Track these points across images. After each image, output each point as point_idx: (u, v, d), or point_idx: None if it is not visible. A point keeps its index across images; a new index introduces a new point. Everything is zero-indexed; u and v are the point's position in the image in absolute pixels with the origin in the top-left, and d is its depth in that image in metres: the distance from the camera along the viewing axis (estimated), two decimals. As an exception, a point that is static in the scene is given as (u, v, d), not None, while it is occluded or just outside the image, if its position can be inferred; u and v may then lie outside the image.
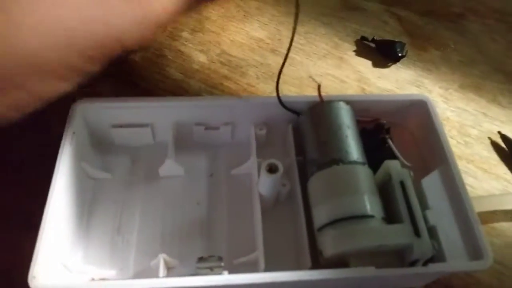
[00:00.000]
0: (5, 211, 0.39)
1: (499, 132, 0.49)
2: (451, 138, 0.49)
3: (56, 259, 0.33)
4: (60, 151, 0.36)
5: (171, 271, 0.36)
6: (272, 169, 0.36)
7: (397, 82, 0.54)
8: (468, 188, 0.44)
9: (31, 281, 0.29)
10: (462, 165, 0.47)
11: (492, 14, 0.64)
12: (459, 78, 0.55)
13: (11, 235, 0.38)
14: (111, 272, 0.36)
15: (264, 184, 0.37)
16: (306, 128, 0.40)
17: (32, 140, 0.43)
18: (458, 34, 0.61)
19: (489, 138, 0.50)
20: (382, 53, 0.56)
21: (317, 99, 0.40)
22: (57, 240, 0.33)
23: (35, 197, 0.33)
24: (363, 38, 0.57)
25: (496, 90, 0.54)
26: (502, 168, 0.47)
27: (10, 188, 0.40)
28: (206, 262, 0.33)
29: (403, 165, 0.38)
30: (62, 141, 0.36)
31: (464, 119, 0.51)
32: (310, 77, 0.51)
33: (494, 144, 0.49)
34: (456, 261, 0.34)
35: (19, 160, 0.43)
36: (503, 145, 0.49)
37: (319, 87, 0.39)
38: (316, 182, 0.37)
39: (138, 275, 0.36)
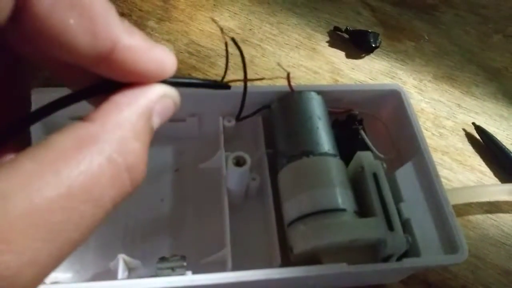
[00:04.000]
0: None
1: (473, 124, 0.48)
2: (426, 129, 0.48)
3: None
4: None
5: (132, 272, 0.34)
6: (239, 162, 0.34)
7: (370, 73, 0.52)
8: (443, 180, 0.44)
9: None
10: (437, 157, 0.46)
11: (465, 5, 0.64)
12: (433, 69, 0.54)
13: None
14: (66, 276, 0.33)
15: (232, 178, 0.35)
16: (276, 119, 0.39)
17: None
18: (431, 25, 0.60)
19: (464, 129, 0.49)
20: (356, 44, 0.54)
21: (287, 89, 0.39)
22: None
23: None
24: (336, 28, 0.55)
25: (470, 81, 0.54)
26: (476, 160, 0.47)
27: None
28: (168, 262, 0.30)
29: (376, 157, 0.37)
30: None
31: (438, 111, 0.50)
32: (278, 64, 0.49)
33: (469, 136, 0.48)
34: (431, 256, 0.33)
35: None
36: (477, 136, 0.48)
37: (288, 76, 0.37)
38: (286, 175, 0.35)
39: (96, 277, 0.34)
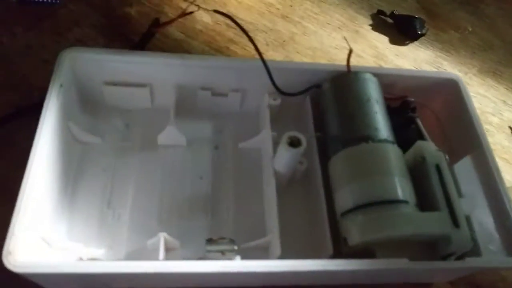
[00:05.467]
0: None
1: (520, 122, 0.46)
2: (471, 124, 0.46)
3: (35, 233, 0.28)
4: (44, 106, 0.30)
5: (170, 253, 0.31)
6: (293, 143, 0.32)
7: (415, 61, 0.50)
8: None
9: (6, 257, 0.24)
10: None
11: (510, -1, 0.61)
12: (478, 62, 0.52)
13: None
14: (99, 251, 0.31)
15: (282, 159, 0.33)
16: (328, 101, 0.36)
17: (10, 97, 0.37)
18: (475, 16, 0.57)
19: (510, 127, 0.47)
20: (400, 30, 0.52)
21: (341, 69, 0.36)
22: (37, 211, 0.28)
23: (14, 160, 0.27)
24: (380, 12, 0.52)
25: (515, 78, 0.52)
26: (524, 159, 0.45)
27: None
28: (217, 245, 0.28)
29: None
30: (47, 95, 0.31)
31: (484, 106, 0.48)
32: (344, 38, 0.46)
33: (515, 134, 0.46)
34: (495, 257, 0.30)
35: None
36: (523, 135, 0.46)
37: (350, 52, 0.34)
38: (340, 161, 0.33)
39: (132, 255, 0.31)
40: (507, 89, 0.50)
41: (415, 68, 0.49)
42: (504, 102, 0.49)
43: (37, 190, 0.28)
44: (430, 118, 0.40)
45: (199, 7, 0.34)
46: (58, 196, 0.31)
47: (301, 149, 0.32)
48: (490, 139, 0.44)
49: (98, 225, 0.32)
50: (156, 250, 0.29)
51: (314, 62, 0.44)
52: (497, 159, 0.43)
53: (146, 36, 0.42)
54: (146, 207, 0.34)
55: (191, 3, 0.35)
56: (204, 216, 0.34)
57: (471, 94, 0.48)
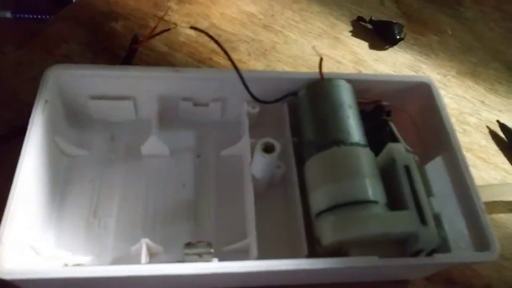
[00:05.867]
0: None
1: (498, 121, 0.48)
2: (449, 125, 0.47)
3: (24, 242, 0.29)
4: (30, 121, 0.32)
5: (154, 258, 0.33)
6: (268, 149, 0.33)
7: (394, 65, 0.51)
8: (466, 177, 0.43)
9: (-7, 265, 0.26)
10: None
11: (489, 1, 0.62)
12: (457, 64, 0.53)
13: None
14: (86, 258, 0.32)
15: (258, 165, 0.34)
16: (304, 107, 0.37)
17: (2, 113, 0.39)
18: (455, 20, 0.59)
19: (488, 127, 0.48)
20: (380, 35, 0.53)
21: (316, 76, 0.38)
22: (25, 220, 0.29)
23: (6, 175, 0.29)
24: (360, 18, 0.54)
25: (494, 78, 0.53)
26: (500, 158, 0.46)
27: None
28: (194, 248, 0.29)
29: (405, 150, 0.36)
30: (33, 111, 0.32)
31: (462, 107, 0.49)
32: (313, 47, 0.48)
33: (493, 134, 0.48)
34: (463, 252, 0.32)
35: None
36: (501, 134, 0.47)
37: (320, 61, 0.36)
38: (314, 165, 0.34)
39: (117, 261, 0.33)
40: (485, 89, 0.51)
41: (393, 72, 0.50)
42: (482, 102, 0.50)
43: (24, 201, 0.29)
44: (406, 120, 0.42)
45: (176, 25, 0.36)
46: (46, 206, 0.33)
47: (275, 154, 0.33)
48: (467, 139, 0.46)
49: (85, 233, 0.34)
50: (139, 255, 0.31)
51: (290, 71, 0.46)
52: (475, 158, 0.45)
53: (129, 53, 0.44)
54: (131, 216, 0.35)
55: (173, 23, 0.37)
56: (186, 222, 0.36)
57: (450, 95, 0.50)
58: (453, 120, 0.47)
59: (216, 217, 0.36)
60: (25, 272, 0.27)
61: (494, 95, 0.51)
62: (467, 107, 0.49)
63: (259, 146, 0.33)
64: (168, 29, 0.36)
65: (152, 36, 0.36)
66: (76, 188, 0.36)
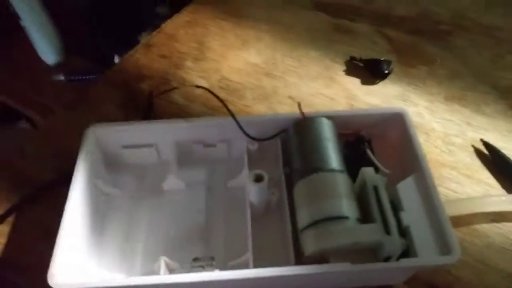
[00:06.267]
0: (30, 223, 0.45)
1: (481, 140, 0.52)
2: (436, 147, 0.52)
3: (73, 263, 0.38)
4: (75, 168, 0.42)
5: (172, 273, 0.41)
6: (258, 179, 0.41)
7: (384, 97, 0.58)
8: (451, 193, 0.48)
9: (49, 278, 0.34)
10: (445, 172, 0.50)
11: (479, 29, 0.68)
12: (445, 90, 0.59)
13: (35, 243, 0.44)
14: (119, 275, 0.41)
15: (253, 192, 0.42)
16: (292, 142, 0.45)
17: (53, 163, 0.50)
18: (445, 49, 0.64)
19: (473, 146, 0.53)
20: (370, 71, 0.60)
21: (301, 116, 0.45)
22: (73, 246, 0.38)
23: (56, 210, 0.39)
24: (352, 58, 0.61)
25: (480, 100, 0.57)
26: (484, 173, 0.50)
27: (33, 204, 0.47)
28: (200, 262, 0.37)
29: (382, 172, 0.42)
30: (77, 161, 0.42)
31: (448, 129, 0.54)
32: (290, 97, 0.56)
33: (477, 151, 0.52)
34: (427, 256, 0.37)
35: (40, 179, 0.49)
36: (486, 151, 0.52)
37: (299, 105, 0.44)
38: (299, 189, 0.41)
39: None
40: (472, 111, 0.56)
41: (383, 104, 0.57)
42: (469, 123, 0.55)
43: (72, 231, 0.38)
44: (387, 146, 0.48)
45: (178, 87, 0.46)
46: (89, 235, 0.42)
47: (264, 183, 0.41)
48: (452, 158, 0.51)
49: (119, 255, 0.42)
50: (159, 270, 0.39)
51: (281, 113, 0.54)
52: (459, 175, 0.50)
53: (147, 107, 0.54)
54: (155, 240, 0.44)
55: (176, 85, 0.47)
56: (199, 242, 0.43)
57: (436, 119, 0.56)
58: (439, 142, 0.53)
59: (223, 237, 0.44)
60: (73, 284, 0.36)
61: (481, 116, 0.56)
62: (453, 129, 0.54)
63: (251, 177, 0.41)
64: (173, 88, 0.46)
65: (161, 93, 0.46)
66: (112, 220, 0.45)
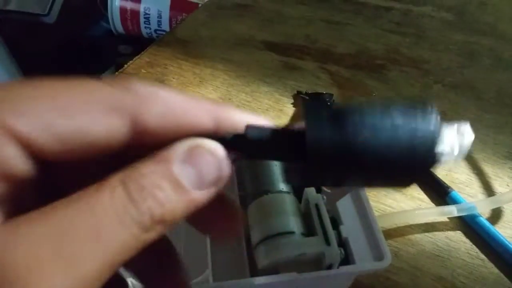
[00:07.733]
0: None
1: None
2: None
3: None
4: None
5: None
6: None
7: (328, 126, 0.64)
8: (388, 208, 0.54)
9: None
10: (382, 190, 0.56)
11: (409, 62, 0.77)
12: (381, 118, 0.66)
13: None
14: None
15: (210, 215, 0.46)
16: (244, 168, 0.50)
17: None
18: (380, 82, 0.73)
19: (405, 165, 0.59)
20: (315, 103, 0.67)
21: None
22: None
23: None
24: (299, 92, 0.68)
25: (412, 126, 0.65)
26: (416, 190, 0.57)
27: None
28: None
29: (324, 192, 0.48)
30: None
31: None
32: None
33: (410, 170, 0.59)
34: (363, 263, 0.42)
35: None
36: (416, 170, 0.59)
37: (248, 135, 0.49)
38: (252, 210, 0.46)
39: None
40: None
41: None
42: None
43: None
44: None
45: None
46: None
47: (219, 206, 0.45)
48: (388, 178, 0.58)
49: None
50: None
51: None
52: (394, 192, 0.56)
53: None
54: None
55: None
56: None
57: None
58: (376, 163, 0.60)
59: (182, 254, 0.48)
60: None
61: (412, 140, 0.63)
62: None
63: (207, 201, 0.45)
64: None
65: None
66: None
